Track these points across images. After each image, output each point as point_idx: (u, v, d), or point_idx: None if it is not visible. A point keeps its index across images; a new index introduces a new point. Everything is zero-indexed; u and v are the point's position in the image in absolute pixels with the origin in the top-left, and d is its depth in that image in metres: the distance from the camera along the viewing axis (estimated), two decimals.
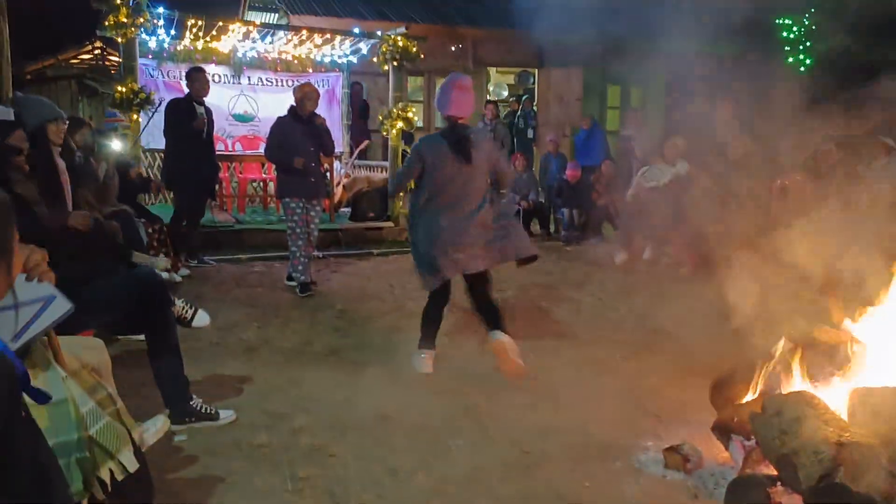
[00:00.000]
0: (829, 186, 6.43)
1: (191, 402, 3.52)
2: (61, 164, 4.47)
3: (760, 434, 2.85)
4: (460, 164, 4.36)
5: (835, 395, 2.96)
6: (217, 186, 7.98)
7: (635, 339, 5.27)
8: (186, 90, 7.26)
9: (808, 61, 14.87)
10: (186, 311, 5.14)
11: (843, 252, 3.14)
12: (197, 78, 7.11)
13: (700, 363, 4.62)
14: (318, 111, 6.60)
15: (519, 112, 14.01)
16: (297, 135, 6.35)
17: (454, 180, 4.37)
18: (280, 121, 6.45)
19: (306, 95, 6.41)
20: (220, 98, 9.80)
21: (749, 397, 3.28)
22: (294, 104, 6.45)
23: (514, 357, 4.31)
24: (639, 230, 8.31)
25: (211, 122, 7.35)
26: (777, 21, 15.01)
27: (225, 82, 9.98)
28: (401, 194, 5.28)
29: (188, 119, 7.03)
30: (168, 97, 8.63)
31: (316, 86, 10.22)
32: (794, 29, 15.25)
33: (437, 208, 4.40)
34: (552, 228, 10.49)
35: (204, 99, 7.23)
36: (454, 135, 4.42)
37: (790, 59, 14.91)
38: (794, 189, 7.06)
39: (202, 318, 5.23)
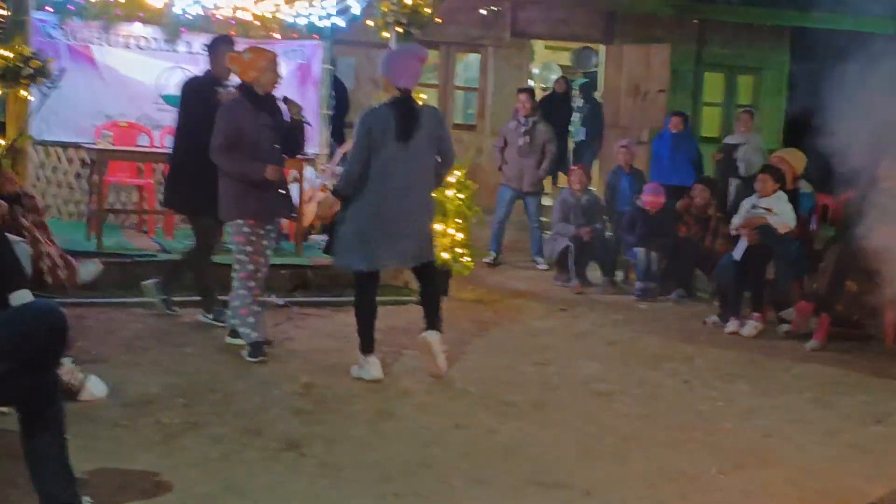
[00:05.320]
0: None
1: None
2: None
3: None
4: (405, 140, 5.73)
5: None
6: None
7: (738, 445, 5.18)
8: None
9: None
10: (75, 377, 5.12)
11: None
12: (226, 51, 6.74)
13: (835, 486, 4.54)
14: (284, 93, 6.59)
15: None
16: (257, 126, 6.20)
17: (397, 159, 5.73)
18: (231, 105, 6.28)
19: (270, 64, 6.24)
20: (147, 72, 9.93)
21: None
22: (246, 80, 6.21)
23: (440, 360, 5.92)
24: (746, 283, 8.24)
25: None
26: None
27: (154, 49, 10.08)
28: None
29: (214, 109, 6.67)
30: (73, 66, 8.68)
31: (284, 58, 10.43)
32: None
33: (380, 189, 5.73)
34: (619, 276, 10.42)
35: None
36: (406, 107, 5.77)
37: None
38: None
39: (95, 388, 5.20)
